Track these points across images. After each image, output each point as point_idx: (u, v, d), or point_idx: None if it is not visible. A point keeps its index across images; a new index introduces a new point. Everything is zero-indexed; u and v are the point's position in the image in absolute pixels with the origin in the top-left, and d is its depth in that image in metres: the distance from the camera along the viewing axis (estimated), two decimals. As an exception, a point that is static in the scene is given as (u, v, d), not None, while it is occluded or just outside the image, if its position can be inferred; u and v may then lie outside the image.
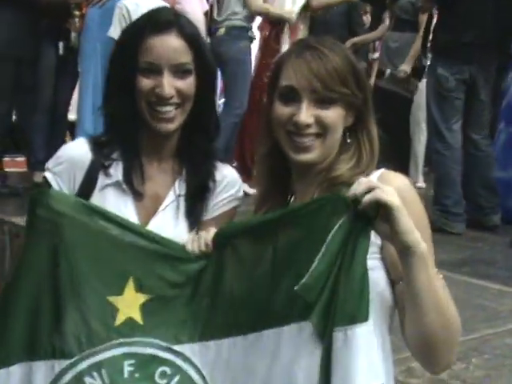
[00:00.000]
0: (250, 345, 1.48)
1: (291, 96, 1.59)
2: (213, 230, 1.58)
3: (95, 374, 1.51)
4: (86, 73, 5.01)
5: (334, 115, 1.59)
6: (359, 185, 1.34)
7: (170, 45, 1.81)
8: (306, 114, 1.56)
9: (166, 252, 1.58)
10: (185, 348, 1.56)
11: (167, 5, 4.70)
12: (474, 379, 2.37)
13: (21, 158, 6.02)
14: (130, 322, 1.55)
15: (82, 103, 5.04)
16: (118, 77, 1.86)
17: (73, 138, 6.18)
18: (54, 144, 5.32)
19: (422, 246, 1.35)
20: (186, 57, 1.83)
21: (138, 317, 1.56)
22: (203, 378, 1.55)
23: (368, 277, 1.33)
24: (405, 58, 5.88)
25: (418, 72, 5.94)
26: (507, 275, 3.66)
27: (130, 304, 1.56)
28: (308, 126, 1.57)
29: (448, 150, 4.73)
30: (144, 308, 1.56)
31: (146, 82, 1.81)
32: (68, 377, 1.51)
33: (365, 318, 1.32)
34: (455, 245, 4.20)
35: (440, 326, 1.38)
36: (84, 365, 1.51)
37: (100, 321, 1.53)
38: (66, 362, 1.51)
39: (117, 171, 1.86)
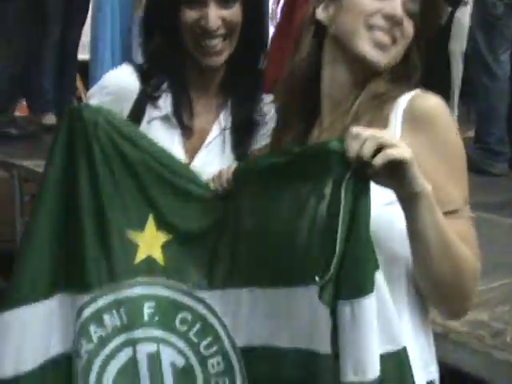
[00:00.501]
0: (268, 299, 1.41)
1: None
2: (233, 167, 1.52)
3: (114, 311, 1.48)
4: (104, 8, 4.86)
5: (410, 29, 1.49)
6: (362, 142, 1.20)
7: None
8: (397, 7, 1.47)
9: (191, 190, 1.50)
10: (206, 294, 1.49)
11: None
12: (516, 322, 2.28)
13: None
14: (150, 260, 1.49)
15: (98, 42, 4.93)
16: (160, 10, 1.83)
17: (84, 79, 6.01)
18: (63, 85, 5.31)
19: (428, 189, 1.25)
20: None
21: (159, 257, 1.50)
22: (224, 326, 1.48)
23: (372, 243, 1.25)
24: None
25: None
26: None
27: (151, 242, 1.49)
28: (396, 21, 1.46)
29: (494, 82, 4.49)
30: (165, 248, 1.50)
31: (190, 14, 1.78)
32: (87, 312, 1.47)
33: (371, 289, 1.25)
34: (498, 186, 4.06)
35: (449, 272, 1.31)
36: (103, 301, 1.47)
37: (120, 256, 1.48)
38: (86, 297, 1.46)
39: (166, 104, 1.83)
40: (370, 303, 1.23)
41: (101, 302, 1.47)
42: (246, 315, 1.45)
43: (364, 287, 1.24)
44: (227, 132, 1.86)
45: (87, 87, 5.63)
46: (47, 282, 1.47)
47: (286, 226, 1.36)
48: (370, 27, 1.46)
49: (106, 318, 1.47)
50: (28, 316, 1.46)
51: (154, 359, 1.48)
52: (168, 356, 1.49)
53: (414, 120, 1.39)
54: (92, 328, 1.48)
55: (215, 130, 1.86)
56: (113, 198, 1.47)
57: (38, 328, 1.47)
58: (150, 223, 1.49)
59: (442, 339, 1.51)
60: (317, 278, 1.25)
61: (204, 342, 1.49)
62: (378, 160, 1.18)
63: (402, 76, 1.49)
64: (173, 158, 1.53)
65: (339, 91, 1.52)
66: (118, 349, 1.48)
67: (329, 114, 1.54)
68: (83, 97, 6.03)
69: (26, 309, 1.46)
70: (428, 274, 1.33)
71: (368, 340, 1.23)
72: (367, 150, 1.19)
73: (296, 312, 1.36)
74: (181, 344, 1.49)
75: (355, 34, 1.47)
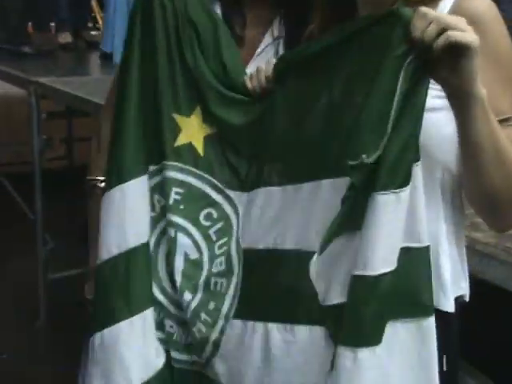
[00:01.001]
0: (292, 195, 1.36)
1: None
2: (273, 61, 1.44)
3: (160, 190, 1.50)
4: None
5: None
6: (429, 22, 1.12)
7: None
8: None
9: (235, 91, 1.47)
10: (235, 195, 1.47)
11: None
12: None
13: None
14: (190, 147, 1.48)
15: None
16: None
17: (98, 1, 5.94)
18: (78, 3, 5.27)
19: (483, 92, 1.16)
20: None
21: (199, 146, 1.49)
22: (238, 228, 1.46)
23: (418, 136, 1.18)
24: None
25: None
26: None
27: (194, 130, 1.48)
28: None
29: None
30: (207, 141, 1.48)
31: None
32: (153, 182, 1.51)
33: (407, 182, 1.18)
34: None
35: (502, 182, 1.24)
36: (160, 176, 1.50)
37: (162, 134, 1.48)
38: (152, 167, 1.51)
39: (216, 11, 1.74)
40: (405, 196, 1.18)
41: (160, 176, 1.50)
42: (259, 215, 1.42)
43: (403, 179, 1.17)
44: (280, 42, 1.76)
45: (102, 6, 5.58)
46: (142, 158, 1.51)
47: (331, 110, 1.29)
48: None
49: (167, 188, 1.49)
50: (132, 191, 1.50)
51: (171, 244, 1.48)
52: (183, 245, 1.48)
53: None
54: (156, 197, 1.51)
55: (267, 39, 1.76)
56: (172, 78, 1.48)
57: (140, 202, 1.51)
58: (197, 113, 1.48)
59: (468, 251, 1.45)
60: (363, 158, 1.16)
61: (220, 242, 1.48)
62: (441, 40, 1.10)
63: None
64: (232, 55, 1.51)
65: None
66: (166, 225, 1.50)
67: (365, 10, 1.42)
68: (98, 16, 5.98)
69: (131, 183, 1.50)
70: (479, 183, 1.26)
71: (392, 235, 1.19)
72: (432, 30, 1.11)
73: (313, 208, 1.31)
74: (198, 237, 1.48)
75: None
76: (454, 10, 1.30)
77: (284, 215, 1.37)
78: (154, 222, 1.50)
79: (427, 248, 1.25)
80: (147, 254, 1.50)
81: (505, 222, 1.35)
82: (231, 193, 1.48)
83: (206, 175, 1.48)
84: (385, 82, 1.17)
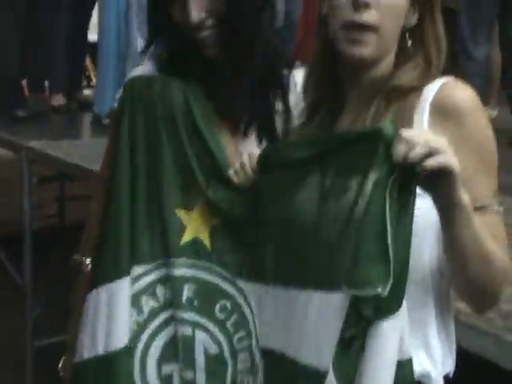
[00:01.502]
0: (289, 301, 1.37)
1: None
2: (255, 154, 1.47)
3: (167, 285, 1.50)
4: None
5: (397, 2, 1.40)
6: (412, 146, 1.15)
7: None
8: None
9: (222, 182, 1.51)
10: (245, 285, 1.48)
11: None
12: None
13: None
14: (197, 242, 1.50)
15: (106, 23, 4.84)
16: None
17: (93, 59, 5.97)
18: (73, 66, 5.31)
19: (466, 200, 1.21)
20: None
21: (205, 239, 1.50)
22: (254, 322, 1.46)
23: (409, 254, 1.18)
24: None
25: None
26: None
27: (199, 223, 1.50)
28: (367, 6, 1.36)
29: (471, 62, 4.62)
30: (213, 232, 1.50)
31: None
32: (141, 284, 1.51)
33: (400, 306, 1.19)
34: (508, 167, 3.98)
35: (483, 275, 1.30)
36: (156, 275, 1.51)
37: (170, 233, 1.50)
38: (140, 269, 1.51)
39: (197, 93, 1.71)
40: (399, 320, 1.20)
41: (153, 276, 1.50)
42: (270, 314, 1.42)
43: (398, 304, 1.19)
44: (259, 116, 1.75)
45: (96, 64, 5.57)
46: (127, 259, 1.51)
47: (316, 220, 1.30)
48: (345, 24, 1.40)
49: (159, 290, 1.50)
50: (115, 292, 1.51)
51: (188, 343, 1.48)
52: (202, 341, 1.48)
53: (444, 113, 1.35)
54: (144, 299, 1.50)
55: (249, 117, 1.74)
56: (171, 174, 1.50)
57: (125, 304, 1.50)
58: (201, 205, 1.49)
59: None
60: (378, 289, 1.14)
61: (238, 335, 1.48)
62: (427, 166, 1.15)
63: (420, 62, 1.43)
64: (219, 146, 1.53)
65: (359, 87, 1.48)
66: (165, 324, 1.50)
67: (354, 103, 1.49)
68: (92, 75, 6.02)
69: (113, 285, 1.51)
70: (463, 277, 1.32)
71: (391, 359, 1.21)
72: (417, 155, 1.15)
73: (311, 321, 1.31)
74: (217, 332, 1.49)
75: (335, 35, 1.43)
76: (437, 101, 1.36)
77: (293, 323, 1.36)
78: (153, 314, 1.50)
79: (410, 360, 1.27)
80: (126, 359, 1.49)
81: (486, 308, 1.42)
82: (242, 283, 1.48)
83: (216, 267, 1.49)
84: (373, 202, 1.18)
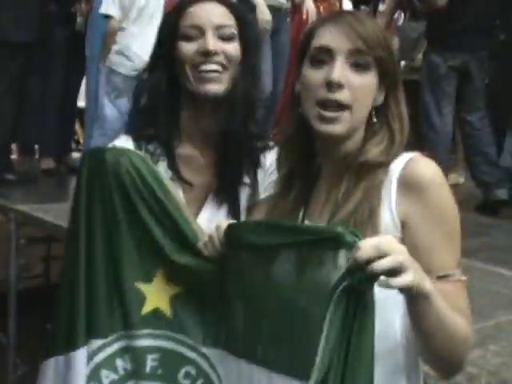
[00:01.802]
0: (251, 376, 1.40)
1: (324, 58, 1.49)
2: (224, 226, 1.48)
3: (126, 357, 1.50)
4: (93, 58, 5.00)
5: (366, 84, 1.49)
6: (378, 254, 1.16)
7: (212, 9, 1.79)
8: (339, 72, 1.45)
9: (196, 248, 1.51)
10: (209, 352, 1.50)
11: None
12: (491, 366, 2.32)
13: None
14: (157, 312, 1.51)
15: (89, 90, 5.03)
16: (159, 50, 1.83)
17: (82, 124, 6.10)
18: (63, 130, 5.44)
19: (429, 286, 1.23)
20: (229, 21, 1.80)
21: (166, 309, 1.51)
22: None
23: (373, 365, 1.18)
24: (422, 47, 5.76)
25: None
26: (523, 262, 3.60)
27: (159, 294, 1.51)
28: (340, 86, 1.45)
29: (436, 133, 4.92)
30: (173, 301, 1.51)
31: (189, 46, 1.78)
32: (100, 357, 1.50)
33: None
34: (471, 231, 4.10)
35: (447, 348, 1.33)
36: (115, 347, 1.50)
37: (130, 306, 1.50)
38: (98, 342, 1.50)
39: (163, 165, 1.80)
40: None
41: (113, 348, 1.49)
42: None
43: None
44: (226, 186, 1.83)
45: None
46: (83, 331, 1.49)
47: (282, 302, 1.32)
48: (318, 102, 1.47)
49: (119, 362, 1.50)
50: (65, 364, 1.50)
51: None
52: None
53: (409, 188, 1.40)
54: (104, 372, 1.51)
55: (216, 185, 1.83)
56: (128, 246, 1.49)
57: (80, 377, 1.51)
58: (160, 275, 1.50)
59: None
60: None
61: None
62: (395, 282, 1.15)
63: (385, 138, 1.50)
64: (183, 217, 1.52)
65: (331, 161, 1.54)
66: None
67: (328, 176, 1.55)
68: (80, 139, 6.14)
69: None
70: (427, 350, 1.35)
71: None
72: (385, 265, 1.14)
73: None
74: None
75: (308, 113, 1.49)
76: (403, 177, 1.42)
77: None
78: None
79: None
80: None
81: (452, 374, 1.45)
82: (206, 350, 1.50)
83: (178, 335, 1.50)
84: (318, 304, 1.19)
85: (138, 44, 4.73)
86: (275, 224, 1.41)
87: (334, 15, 1.56)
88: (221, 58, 1.77)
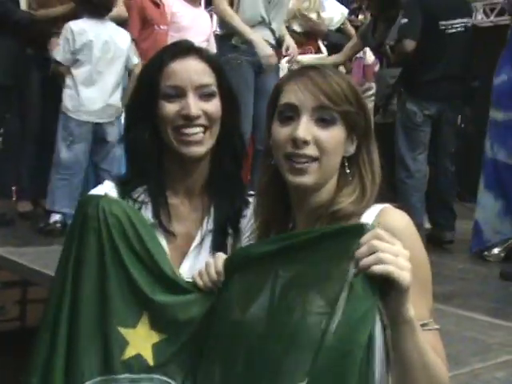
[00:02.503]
0: None
1: (290, 115, 1.53)
2: (221, 258, 1.51)
3: None
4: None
5: (333, 137, 1.52)
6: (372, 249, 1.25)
7: (192, 67, 1.79)
8: (304, 130, 1.50)
9: (182, 292, 1.52)
10: None
11: (124, 32, 4.95)
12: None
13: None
14: (139, 358, 1.51)
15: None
16: (140, 107, 1.83)
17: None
18: (40, 173, 5.34)
19: (411, 313, 1.29)
20: (209, 78, 1.81)
21: (148, 355, 1.51)
22: None
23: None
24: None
25: None
26: (497, 307, 3.62)
27: (141, 340, 1.51)
28: (305, 143, 1.50)
29: (411, 178, 5.00)
30: (156, 347, 1.51)
31: (170, 107, 1.78)
32: None
33: None
34: (445, 276, 4.16)
35: (426, 382, 1.36)
36: None
37: (111, 350, 1.49)
38: None
39: (147, 213, 1.80)
40: None
41: None
42: None
43: None
44: (209, 236, 1.83)
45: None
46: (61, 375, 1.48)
47: (266, 335, 1.34)
48: (287, 156, 1.52)
49: None
50: None
51: None
52: None
53: None
54: None
55: (199, 235, 1.84)
56: (113, 290, 1.49)
57: None
58: (144, 321, 1.50)
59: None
60: None
61: None
62: (375, 270, 1.23)
63: (356, 187, 1.54)
64: (169, 265, 1.54)
65: (304, 211, 1.57)
66: None
67: (302, 225, 1.58)
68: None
69: None
70: (406, 382, 1.36)
71: None
72: (367, 260, 1.24)
73: None
74: None
75: (280, 165, 1.54)
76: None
77: None
78: None
79: None
80: None
81: None
82: None
83: (161, 377, 1.51)
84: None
85: (91, 89, 4.81)
86: (288, 235, 1.45)
87: (300, 71, 1.58)
88: (202, 120, 1.78)
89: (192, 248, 1.82)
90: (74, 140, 4.81)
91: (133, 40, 5.12)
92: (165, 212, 1.81)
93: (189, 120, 1.76)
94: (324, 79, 1.52)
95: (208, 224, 1.84)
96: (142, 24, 5.41)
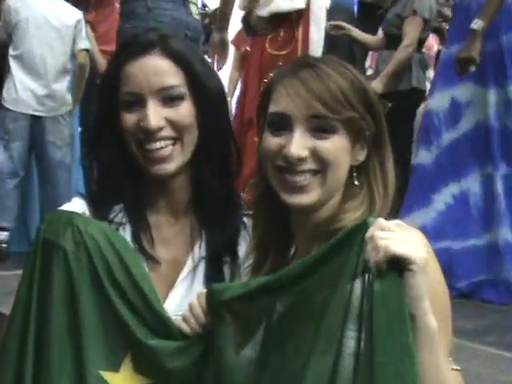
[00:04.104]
0: None
1: (282, 125, 1.44)
2: (204, 295, 1.40)
3: None
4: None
5: (336, 147, 1.42)
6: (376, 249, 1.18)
7: (151, 67, 1.62)
8: (298, 145, 1.41)
9: (172, 336, 1.42)
10: None
11: (72, 9, 4.69)
12: None
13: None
14: None
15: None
16: (102, 118, 1.69)
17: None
18: None
19: (433, 322, 1.21)
20: (174, 79, 1.63)
21: None
22: None
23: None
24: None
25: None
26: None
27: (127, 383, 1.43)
28: (301, 160, 1.41)
29: None
30: None
31: (129, 118, 1.62)
32: None
33: None
34: (477, 309, 3.76)
35: None
36: None
37: None
38: None
39: (125, 235, 1.65)
40: None
41: None
42: None
43: None
44: (202, 263, 1.68)
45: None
46: None
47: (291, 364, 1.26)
48: (278, 170, 1.43)
49: None
50: None
51: None
52: None
53: None
54: None
55: (189, 262, 1.68)
56: (92, 327, 1.40)
57: None
58: (127, 364, 1.42)
59: None
60: None
61: None
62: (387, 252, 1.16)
63: (364, 201, 1.44)
64: (158, 301, 1.45)
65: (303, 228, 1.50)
66: None
67: (302, 245, 1.50)
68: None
69: None
70: None
71: None
72: (381, 261, 1.17)
73: None
74: None
75: (272, 180, 1.45)
76: None
77: None
78: None
79: None
80: None
81: None
82: None
83: None
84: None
85: (27, 75, 4.57)
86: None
87: (293, 69, 1.46)
88: (167, 132, 1.62)
89: (182, 277, 1.67)
90: (9, 138, 4.55)
91: (87, 22, 4.88)
92: (146, 233, 1.67)
93: (149, 135, 1.60)
94: (319, 81, 1.41)
95: (200, 250, 1.69)
96: (98, 2, 5.16)
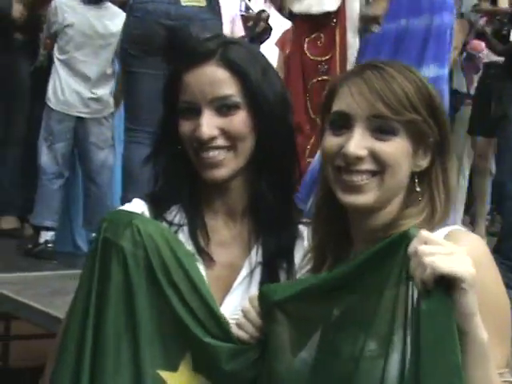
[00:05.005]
0: None
1: (343, 123, 1.44)
2: (256, 299, 1.44)
3: None
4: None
5: (395, 149, 1.42)
6: (423, 266, 1.17)
7: (207, 77, 1.64)
8: (356, 144, 1.41)
9: (225, 340, 1.44)
10: None
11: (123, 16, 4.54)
12: None
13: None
14: None
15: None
16: (164, 124, 1.74)
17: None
18: (27, 184, 5.14)
19: (484, 336, 1.19)
20: (229, 88, 1.64)
21: None
22: None
23: None
24: None
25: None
26: None
27: (184, 382, 1.46)
28: (359, 159, 1.41)
29: None
30: None
31: (186, 126, 1.66)
32: None
33: None
34: None
35: None
36: None
37: None
38: None
39: (184, 237, 1.69)
40: None
41: None
42: None
43: None
44: (258, 268, 1.68)
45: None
46: None
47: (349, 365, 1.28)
48: (337, 170, 1.44)
49: None
50: None
51: None
52: None
53: None
54: None
55: (246, 267, 1.69)
56: (149, 327, 1.43)
57: None
58: (186, 363, 1.45)
59: None
60: None
61: None
62: (436, 269, 1.16)
63: (426, 208, 1.43)
64: (211, 300, 1.47)
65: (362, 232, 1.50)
66: None
67: (360, 248, 1.48)
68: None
69: None
70: None
71: None
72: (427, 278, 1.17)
73: None
74: None
75: (330, 180, 1.46)
76: None
77: None
78: None
79: None
80: None
81: None
82: None
83: None
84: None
85: (73, 78, 4.69)
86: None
87: (358, 70, 1.49)
88: (220, 141, 1.64)
89: (239, 281, 1.68)
90: (53, 140, 4.66)
91: None
92: (203, 234, 1.70)
93: (202, 143, 1.63)
94: (383, 81, 1.42)
95: (257, 255, 1.70)
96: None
